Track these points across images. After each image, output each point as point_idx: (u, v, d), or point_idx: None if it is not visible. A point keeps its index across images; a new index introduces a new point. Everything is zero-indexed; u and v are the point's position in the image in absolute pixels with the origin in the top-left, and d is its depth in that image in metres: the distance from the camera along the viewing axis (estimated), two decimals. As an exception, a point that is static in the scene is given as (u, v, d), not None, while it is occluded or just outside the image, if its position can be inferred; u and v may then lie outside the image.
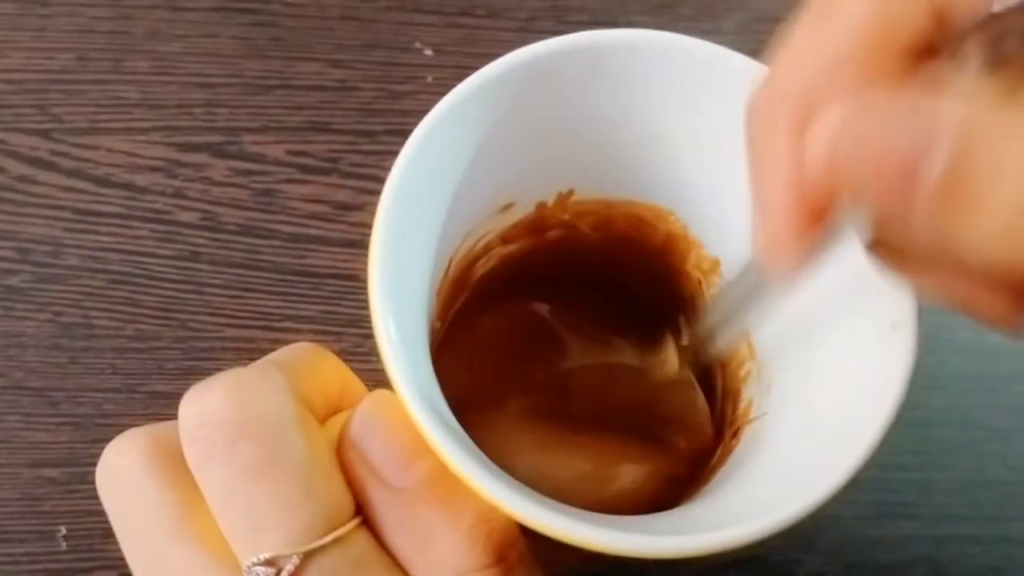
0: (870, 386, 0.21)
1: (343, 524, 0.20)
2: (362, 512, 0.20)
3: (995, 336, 0.38)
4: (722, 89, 0.23)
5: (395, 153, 0.39)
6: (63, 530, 0.33)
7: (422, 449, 0.20)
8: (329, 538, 0.19)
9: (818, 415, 0.23)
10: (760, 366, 0.27)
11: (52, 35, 0.40)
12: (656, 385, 0.29)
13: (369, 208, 0.39)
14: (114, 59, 0.40)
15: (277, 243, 0.37)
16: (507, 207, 0.27)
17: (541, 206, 0.28)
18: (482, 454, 0.20)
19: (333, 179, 0.39)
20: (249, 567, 0.19)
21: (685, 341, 0.28)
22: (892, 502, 0.35)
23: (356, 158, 0.39)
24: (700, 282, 0.29)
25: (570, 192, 0.28)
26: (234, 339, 0.36)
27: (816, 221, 0.18)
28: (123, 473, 0.21)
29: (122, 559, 0.33)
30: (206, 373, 0.35)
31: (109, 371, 0.35)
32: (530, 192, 0.27)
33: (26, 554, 0.33)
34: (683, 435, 0.30)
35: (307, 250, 0.37)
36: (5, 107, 0.39)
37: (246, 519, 0.19)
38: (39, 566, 0.33)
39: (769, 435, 0.25)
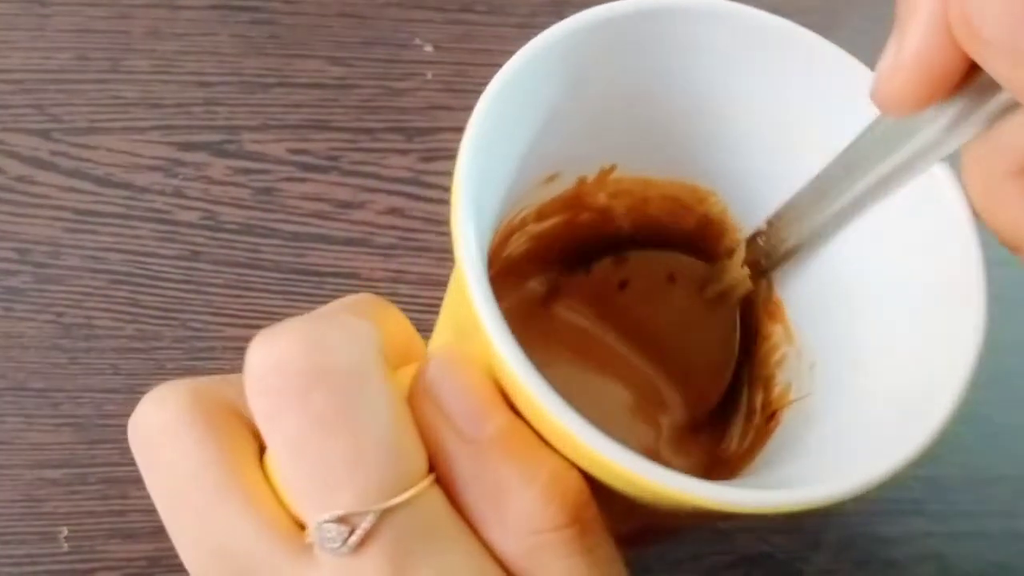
0: (939, 357, 0.21)
1: (418, 481, 0.18)
2: (434, 466, 0.19)
3: (1004, 332, 0.38)
4: (789, 67, 0.23)
5: (396, 151, 0.39)
6: (64, 531, 0.33)
7: (497, 403, 0.19)
8: (406, 496, 0.18)
9: (880, 389, 0.23)
10: (799, 349, 0.27)
11: (51, 35, 0.40)
12: (702, 313, 0.29)
13: (370, 206, 0.39)
14: (113, 58, 0.40)
15: (278, 242, 0.37)
16: (552, 178, 0.26)
17: (582, 181, 0.27)
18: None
19: (333, 177, 0.38)
20: (319, 524, 0.18)
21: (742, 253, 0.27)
22: (900, 499, 0.35)
23: (356, 156, 0.39)
24: None
25: (612, 167, 0.27)
26: (236, 339, 0.36)
27: (952, 70, 0.17)
28: (162, 427, 0.20)
29: (122, 561, 0.33)
30: (207, 373, 0.35)
31: (110, 371, 0.35)
32: (575, 164, 0.27)
33: (27, 555, 0.33)
34: (700, 377, 0.30)
35: (308, 248, 0.37)
36: (4, 107, 0.39)
37: (318, 474, 0.18)
38: (40, 567, 0.33)
39: (824, 412, 0.24)
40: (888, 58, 0.18)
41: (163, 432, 0.20)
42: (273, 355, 0.18)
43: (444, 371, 0.20)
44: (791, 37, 0.23)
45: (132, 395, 0.35)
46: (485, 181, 0.20)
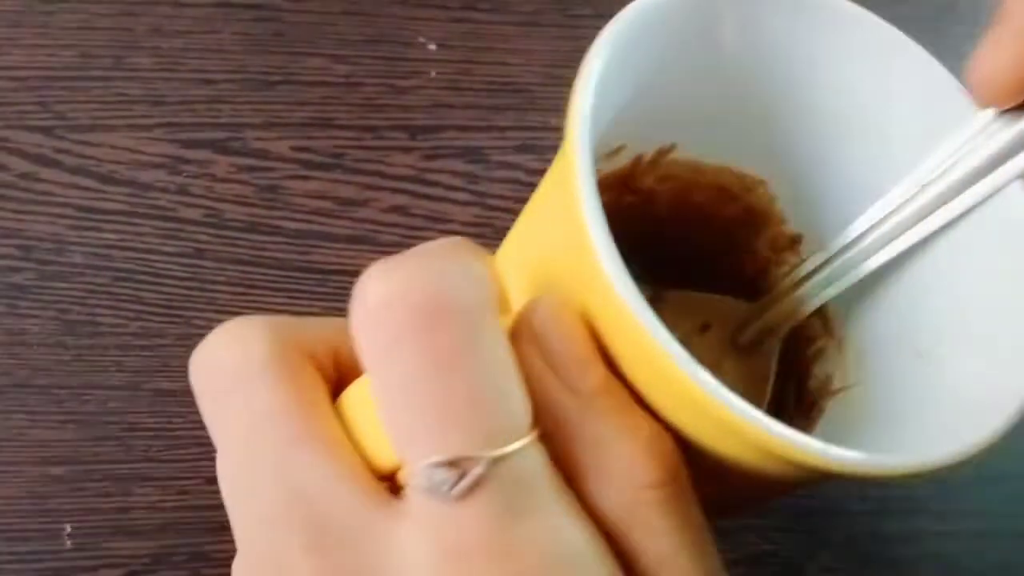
0: (1013, 343, 0.21)
1: (526, 432, 0.18)
2: (537, 417, 0.18)
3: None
4: (866, 59, 0.23)
5: (400, 148, 0.39)
6: (68, 528, 0.33)
7: (596, 355, 0.19)
8: (517, 445, 0.17)
9: (944, 376, 0.23)
10: (840, 340, 0.27)
11: (54, 32, 0.40)
12: (733, 362, 0.28)
13: (373, 204, 0.39)
14: (116, 55, 0.40)
15: (281, 239, 0.37)
16: (617, 150, 0.26)
17: (638, 160, 0.27)
18: None
19: (337, 175, 0.38)
20: (428, 467, 0.17)
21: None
22: (903, 497, 0.35)
23: (360, 154, 0.39)
24: (768, 260, 0.29)
25: (672, 147, 0.27)
26: (239, 336, 0.36)
27: None
28: (232, 366, 0.19)
29: (126, 558, 0.33)
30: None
31: (114, 368, 0.35)
32: (640, 138, 0.26)
33: (31, 552, 0.33)
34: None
35: (312, 246, 0.37)
36: (8, 104, 0.38)
37: (432, 414, 0.17)
38: (44, 564, 0.33)
39: (878, 400, 0.24)
40: (988, 44, 0.18)
41: (235, 372, 0.19)
42: (392, 287, 0.17)
43: (551, 316, 0.19)
44: (875, 30, 0.23)
45: (136, 392, 0.35)
46: (598, 111, 0.20)
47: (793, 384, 0.28)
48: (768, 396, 0.27)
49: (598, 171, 0.26)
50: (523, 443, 0.17)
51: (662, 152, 0.27)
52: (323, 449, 0.18)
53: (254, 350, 0.19)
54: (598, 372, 0.19)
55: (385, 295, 0.17)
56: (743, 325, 0.28)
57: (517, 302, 0.20)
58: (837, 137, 0.25)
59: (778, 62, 0.24)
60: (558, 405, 0.18)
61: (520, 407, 0.18)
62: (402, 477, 0.18)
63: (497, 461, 0.17)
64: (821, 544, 0.34)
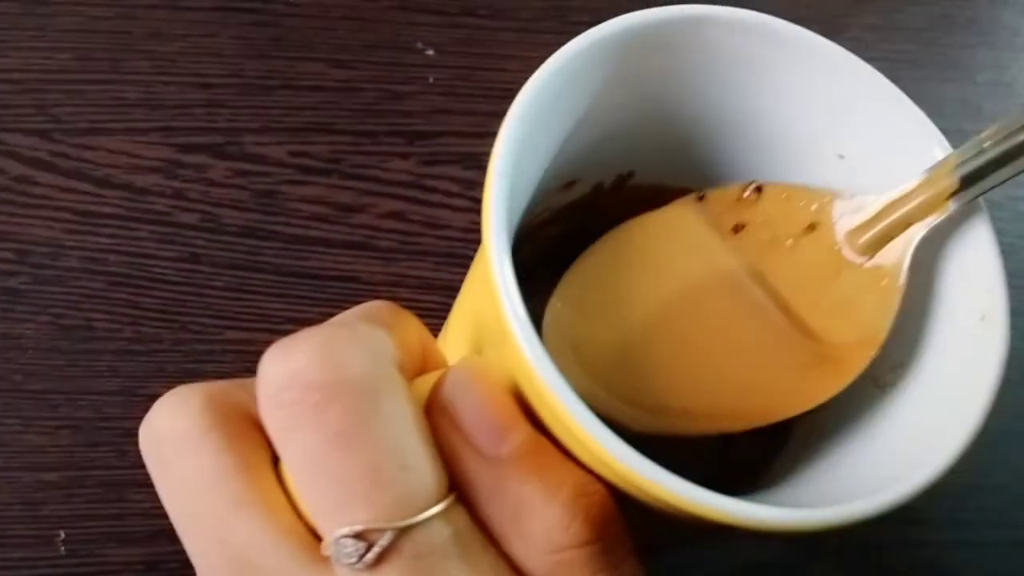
0: (959, 380, 0.21)
1: (439, 498, 0.18)
2: (454, 483, 0.19)
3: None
4: (808, 77, 0.23)
5: (398, 154, 0.39)
6: (62, 534, 0.33)
7: (517, 417, 0.19)
8: (428, 514, 0.18)
9: (898, 407, 0.22)
10: None
11: (51, 35, 0.40)
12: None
13: (371, 209, 0.39)
14: (114, 59, 0.40)
15: (278, 245, 0.37)
16: (570, 185, 0.26)
17: (598, 187, 0.27)
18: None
19: (335, 180, 0.38)
20: (336, 539, 0.18)
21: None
22: (897, 507, 0.35)
23: (358, 159, 0.39)
24: None
25: (630, 174, 0.27)
26: (235, 341, 0.36)
27: None
28: (176, 434, 0.19)
29: (120, 564, 0.33)
30: (207, 376, 0.35)
31: (109, 374, 0.35)
32: (594, 171, 0.26)
33: (25, 559, 0.33)
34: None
35: (309, 252, 0.37)
36: (4, 107, 0.38)
37: (335, 489, 0.18)
38: (38, 571, 0.33)
39: (840, 428, 0.24)
40: None
41: (179, 440, 0.19)
42: (288, 368, 0.18)
43: (461, 386, 0.19)
44: (812, 47, 0.23)
45: (131, 398, 0.35)
46: (513, 189, 0.20)
47: None
48: (896, 306, 0.23)
49: (553, 206, 0.27)
50: (433, 512, 0.18)
51: (621, 179, 0.27)
52: (263, 513, 0.19)
53: (195, 418, 0.19)
54: (517, 435, 0.19)
55: (281, 377, 0.18)
56: (863, 226, 0.24)
57: (462, 355, 0.21)
58: (792, 157, 0.25)
59: (723, 87, 0.24)
60: (472, 473, 0.19)
61: (427, 476, 0.18)
62: (322, 548, 0.18)
63: (406, 530, 0.18)
64: (816, 554, 0.34)
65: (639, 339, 0.24)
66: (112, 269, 0.36)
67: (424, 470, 0.18)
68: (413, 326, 0.22)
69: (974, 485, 0.36)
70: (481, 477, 0.19)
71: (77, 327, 0.36)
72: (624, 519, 0.19)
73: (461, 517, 0.18)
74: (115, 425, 0.34)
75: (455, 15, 0.42)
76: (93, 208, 0.37)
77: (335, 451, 0.18)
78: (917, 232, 0.23)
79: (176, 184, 0.38)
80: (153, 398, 0.34)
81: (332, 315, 0.36)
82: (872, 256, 0.23)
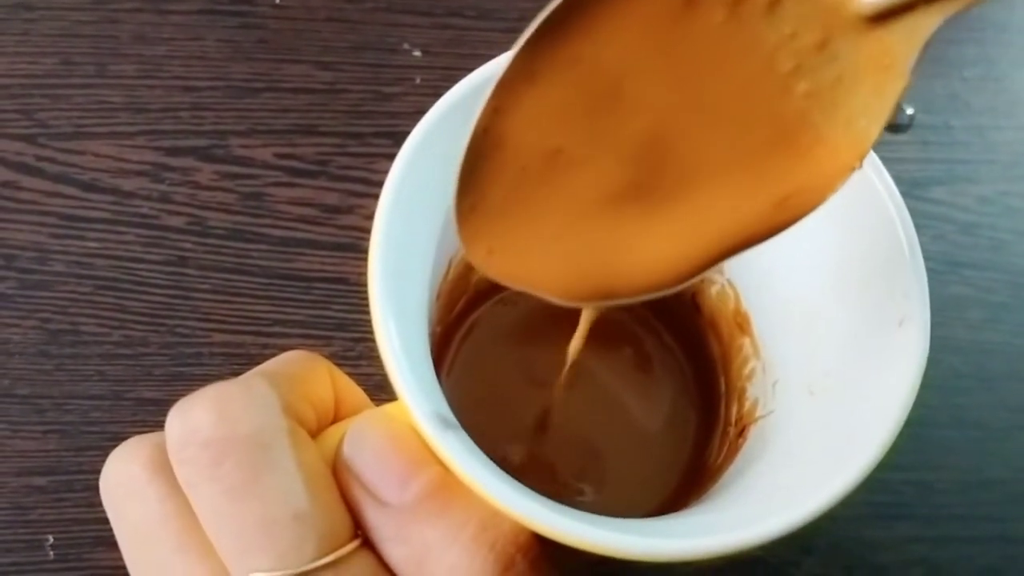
0: (879, 384, 0.21)
1: (339, 544, 0.19)
2: (362, 532, 0.20)
3: (991, 334, 0.38)
4: None
5: (385, 155, 0.39)
6: (50, 539, 0.33)
7: (418, 464, 0.20)
8: (324, 560, 0.19)
9: (825, 414, 0.23)
10: (764, 364, 0.27)
11: (36, 39, 0.40)
12: None
13: (358, 211, 0.39)
14: (99, 63, 0.40)
15: (265, 247, 0.37)
16: None
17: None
18: (488, 459, 0.20)
19: (322, 182, 0.38)
20: None
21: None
22: (889, 503, 0.35)
23: (345, 160, 0.39)
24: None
25: None
26: (223, 344, 0.36)
27: None
28: (126, 481, 0.20)
29: (108, 569, 0.33)
30: (194, 379, 0.35)
31: (96, 378, 0.35)
32: None
33: (13, 564, 0.32)
34: None
35: (296, 254, 0.37)
36: (-11, 112, 0.38)
37: (236, 540, 0.19)
38: (26, 576, 0.32)
39: (777, 434, 0.24)
40: None
41: (128, 488, 0.20)
42: (186, 426, 0.19)
43: (359, 441, 0.20)
44: None
45: (118, 402, 0.35)
46: (406, 253, 0.21)
47: (736, 404, 0.28)
48: (899, 99, 0.19)
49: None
50: (331, 558, 0.19)
51: None
52: (201, 555, 0.19)
53: (143, 465, 0.20)
54: (420, 479, 0.20)
55: (180, 434, 0.19)
56: None
57: None
58: None
59: None
60: (374, 522, 0.20)
61: (322, 524, 0.19)
62: None
63: (308, 575, 0.19)
64: (807, 550, 0.34)
65: None
66: (99, 273, 0.36)
67: (320, 518, 0.19)
68: (324, 373, 0.23)
69: (966, 481, 0.36)
70: (386, 526, 0.20)
71: (64, 331, 0.35)
72: (543, 542, 0.19)
73: (366, 562, 0.19)
74: (102, 429, 0.34)
75: (441, 16, 0.42)
76: (79, 212, 0.37)
77: (231, 503, 0.19)
78: (934, 20, 0.18)
79: (162, 187, 0.38)
80: (141, 402, 0.34)
81: (319, 316, 0.36)
82: (884, 22, 0.19)
